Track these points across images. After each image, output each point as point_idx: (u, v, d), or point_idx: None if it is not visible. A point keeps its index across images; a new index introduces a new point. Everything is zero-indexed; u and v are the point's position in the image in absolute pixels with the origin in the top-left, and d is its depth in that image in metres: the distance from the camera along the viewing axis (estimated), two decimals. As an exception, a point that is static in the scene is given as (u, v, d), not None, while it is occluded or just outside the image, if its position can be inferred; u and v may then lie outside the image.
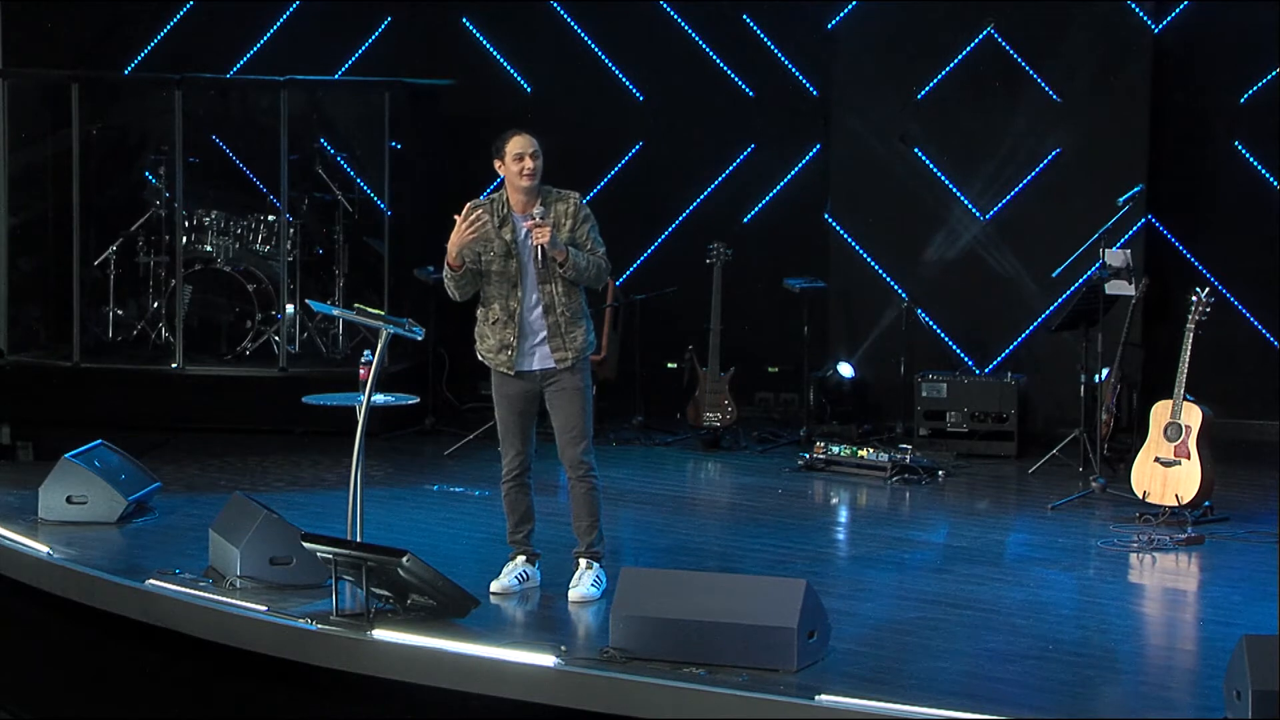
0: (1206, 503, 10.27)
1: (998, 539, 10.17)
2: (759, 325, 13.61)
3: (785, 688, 7.20)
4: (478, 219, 8.34)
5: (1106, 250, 11.62)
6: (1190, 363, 10.27)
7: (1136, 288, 11.71)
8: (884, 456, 11.68)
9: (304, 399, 9.18)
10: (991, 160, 13.06)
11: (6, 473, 11.49)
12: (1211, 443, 10.35)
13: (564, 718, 7.39)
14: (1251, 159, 12.98)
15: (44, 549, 9.32)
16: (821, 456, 11.88)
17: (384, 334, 8.35)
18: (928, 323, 13.12)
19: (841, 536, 10.63)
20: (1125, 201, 12.00)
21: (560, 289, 8.50)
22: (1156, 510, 10.26)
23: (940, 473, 11.69)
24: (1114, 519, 10.42)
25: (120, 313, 13.91)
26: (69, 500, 10.09)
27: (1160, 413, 10.34)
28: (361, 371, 8.56)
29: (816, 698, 7.06)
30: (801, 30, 13.66)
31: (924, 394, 12.48)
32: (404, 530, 9.85)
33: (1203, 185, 13.17)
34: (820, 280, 13.13)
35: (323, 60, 14.17)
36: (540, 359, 8.53)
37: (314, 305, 9.49)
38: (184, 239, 13.59)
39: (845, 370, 13.25)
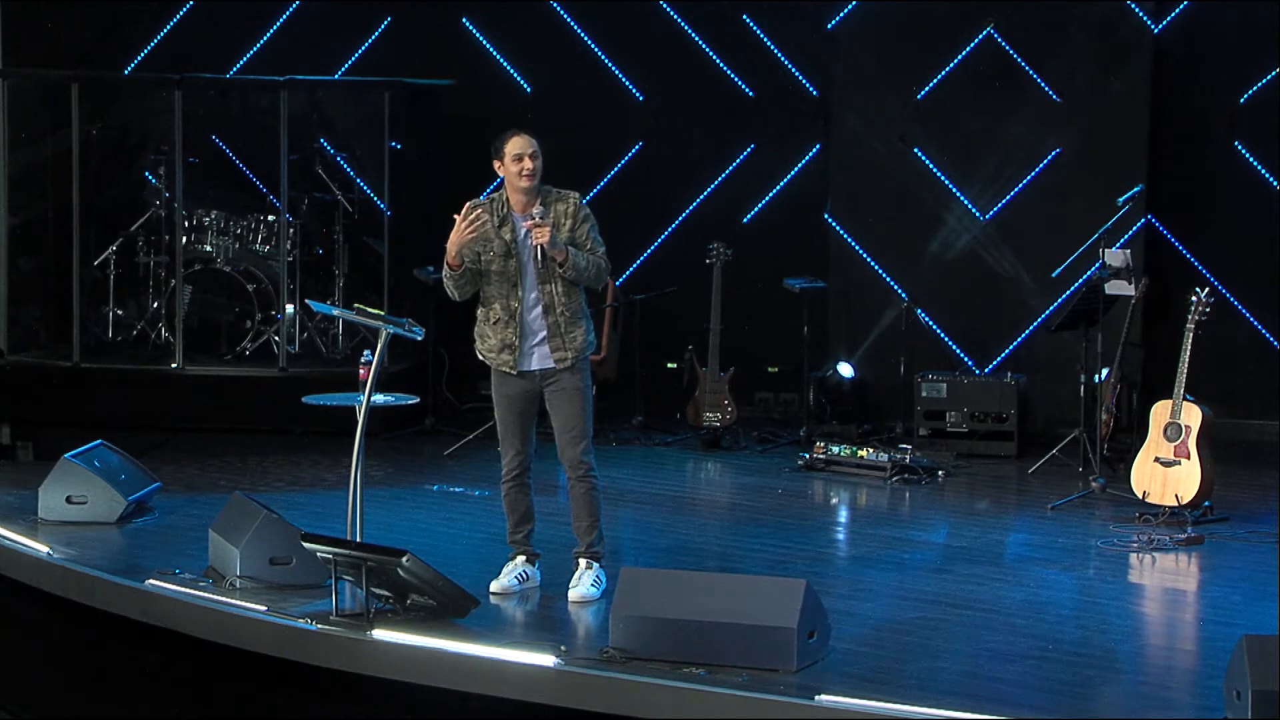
0: (1206, 503, 10.26)
1: (998, 539, 10.17)
2: (759, 325, 13.60)
3: (785, 688, 7.19)
4: (477, 218, 8.34)
5: (1106, 250, 11.62)
6: (1190, 363, 10.27)
7: (1136, 288, 11.71)
8: (884, 456, 11.67)
9: (304, 399, 9.17)
10: (991, 160, 13.05)
11: (6, 473, 11.48)
12: (1211, 443, 10.34)
13: (564, 718, 7.38)
14: (1251, 159, 12.97)
15: (44, 549, 9.31)
16: (821, 456, 11.88)
17: (384, 334, 8.34)
18: (927, 323, 13.12)
19: (841, 536, 10.63)
20: (1125, 201, 12.00)
21: (560, 289, 8.49)
22: (1156, 510, 10.25)
23: (940, 473, 11.68)
24: (1114, 519, 10.42)
25: (120, 313, 13.90)
26: (69, 500, 10.08)
27: (1160, 413, 10.34)
28: (361, 371, 8.56)
29: (816, 698, 7.06)
30: (801, 30, 13.65)
31: (924, 394, 12.47)
32: (404, 530, 9.85)
33: (1202, 185, 13.16)
34: (820, 280, 13.12)
35: (322, 60, 14.16)
36: (540, 359, 8.53)
37: (314, 305, 9.49)
38: (184, 239, 13.58)
39: (845, 370, 13.24)
